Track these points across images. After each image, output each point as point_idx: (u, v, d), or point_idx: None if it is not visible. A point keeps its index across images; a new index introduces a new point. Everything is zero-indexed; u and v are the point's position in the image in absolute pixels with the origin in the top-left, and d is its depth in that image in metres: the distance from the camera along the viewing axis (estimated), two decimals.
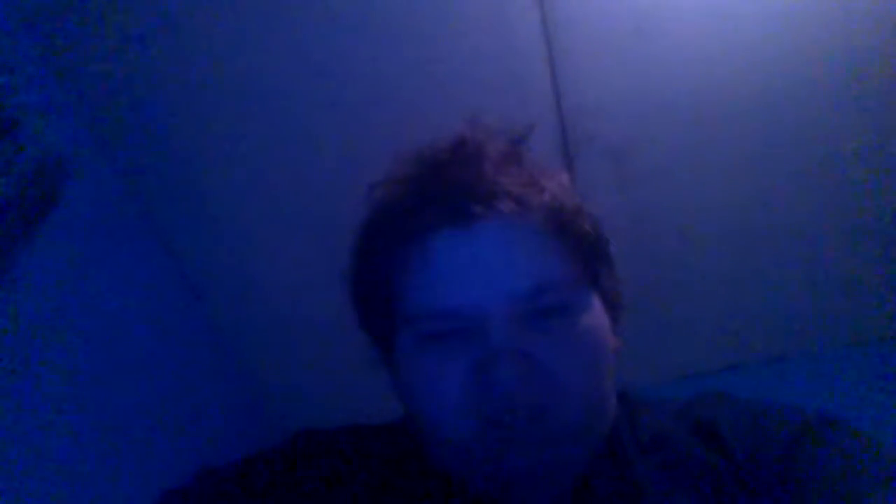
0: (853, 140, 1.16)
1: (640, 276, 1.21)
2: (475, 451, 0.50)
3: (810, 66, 1.09)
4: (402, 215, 0.53)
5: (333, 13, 1.02)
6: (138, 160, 1.11)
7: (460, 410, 0.49)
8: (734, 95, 1.11)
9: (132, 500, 0.91)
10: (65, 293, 0.93)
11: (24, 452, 0.81)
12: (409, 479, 0.56)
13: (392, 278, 0.54)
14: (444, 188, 0.52)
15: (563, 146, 1.14)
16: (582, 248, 0.54)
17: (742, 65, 1.09)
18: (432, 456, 0.55)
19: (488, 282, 0.49)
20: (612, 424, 0.55)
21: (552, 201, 0.53)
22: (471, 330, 0.50)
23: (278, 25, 1.03)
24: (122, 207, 1.11)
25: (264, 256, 1.22)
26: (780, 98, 1.12)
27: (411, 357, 0.53)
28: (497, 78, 1.07)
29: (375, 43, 1.05)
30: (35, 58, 0.99)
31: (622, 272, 0.59)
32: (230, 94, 1.07)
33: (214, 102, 1.08)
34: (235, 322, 1.28)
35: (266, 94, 1.08)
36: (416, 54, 1.06)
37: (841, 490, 0.46)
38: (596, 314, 0.54)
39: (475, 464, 0.51)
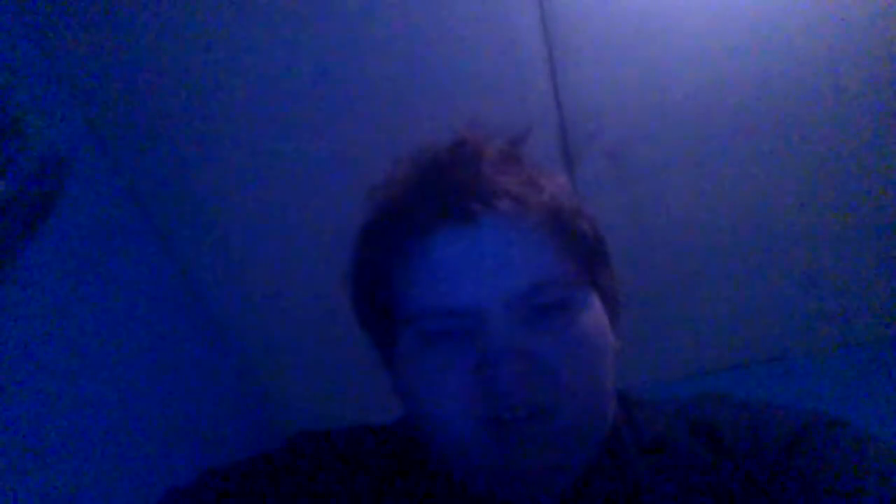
0: (853, 140, 1.16)
1: (639, 276, 1.21)
2: (476, 450, 0.50)
3: (810, 67, 1.09)
4: (401, 215, 0.53)
5: (333, 14, 1.02)
6: (138, 160, 1.11)
7: (461, 409, 0.49)
8: (734, 95, 1.11)
9: (133, 499, 0.91)
10: (65, 293, 0.93)
11: (24, 452, 0.81)
12: (410, 479, 0.56)
13: (392, 277, 0.54)
14: (444, 187, 0.52)
15: (563, 146, 1.14)
16: (580, 247, 0.54)
17: (742, 65, 1.09)
18: (433, 456, 0.55)
19: (487, 280, 0.50)
20: (612, 424, 0.55)
21: (551, 201, 0.53)
22: (471, 328, 0.50)
23: (278, 26, 1.03)
24: (122, 207, 1.11)
25: (264, 256, 1.22)
26: (780, 98, 1.12)
27: (412, 356, 0.53)
28: (497, 78, 1.07)
29: (374, 43, 1.05)
30: (35, 58, 0.99)
31: (622, 272, 0.59)
32: (230, 94, 1.07)
33: (214, 102, 1.08)
34: (235, 321, 1.28)
35: (266, 95, 1.08)
36: (415, 54, 1.06)
37: (841, 490, 0.46)
38: (595, 313, 0.54)
39: (476, 463, 0.51)
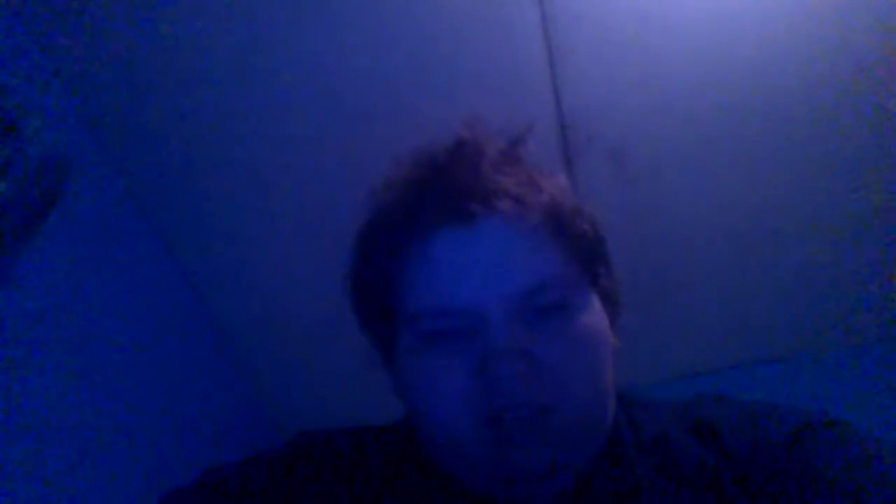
0: (853, 140, 1.16)
1: (640, 276, 1.21)
2: (476, 450, 0.50)
3: (810, 66, 1.09)
4: (402, 215, 0.53)
5: (333, 13, 1.02)
6: (138, 160, 1.11)
7: (461, 409, 0.49)
8: (734, 95, 1.11)
9: (134, 499, 0.91)
10: (65, 293, 0.93)
11: (24, 452, 0.81)
12: (410, 479, 0.56)
13: (393, 278, 0.54)
14: (444, 188, 0.52)
15: (563, 146, 1.14)
16: (580, 247, 0.54)
17: (742, 65, 1.09)
18: (433, 456, 0.55)
19: (487, 280, 0.50)
20: (612, 424, 0.55)
21: (551, 201, 0.53)
22: (471, 328, 0.50)
23: (278, 25, 1.03)
24: (122, 207, 1.11)
25: (264, 256, 1.22)
26: (779, 98, 1.12)
27: (412, 357, 0.53)
28: (497, 78, 1.07)
29: (375, 43, 1.05)
30: (35, 58, 0.99)
31: (622, 272, 0.59)
32: (230, 94, 1.07)
33: (214, 102, 1.08)
34: (235, 322, 1.28)
35: (266, 94, 1.08)
36: (415, 54, 1.06)
37: (841, 490, 0.46)
38: (595, 313, 0.54)
39: (476, 463, 0.51)
